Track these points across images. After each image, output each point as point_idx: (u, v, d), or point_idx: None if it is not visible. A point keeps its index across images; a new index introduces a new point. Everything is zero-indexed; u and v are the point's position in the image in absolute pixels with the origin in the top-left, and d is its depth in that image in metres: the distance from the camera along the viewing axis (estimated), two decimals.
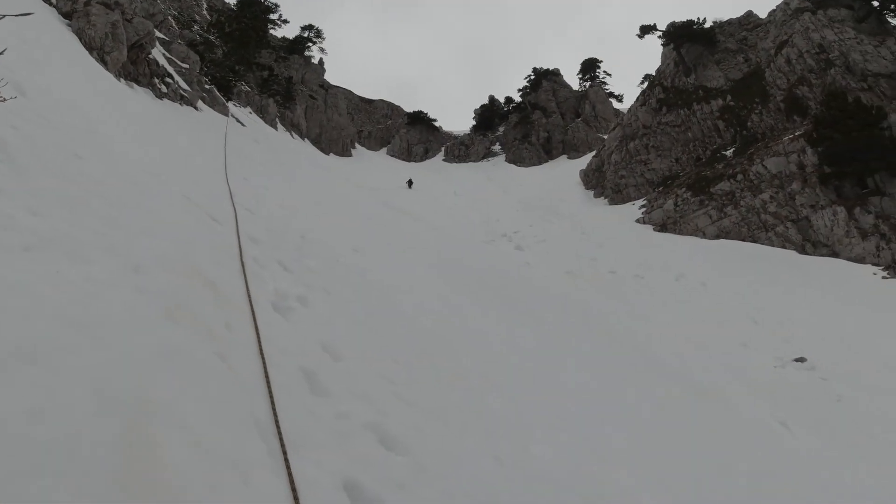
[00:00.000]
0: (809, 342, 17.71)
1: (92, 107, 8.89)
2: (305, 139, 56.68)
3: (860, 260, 26.05)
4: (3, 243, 3.07)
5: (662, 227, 34.38)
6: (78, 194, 4.39)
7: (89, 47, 14.34)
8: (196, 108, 20.17)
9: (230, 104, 30.24)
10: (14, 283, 2.77)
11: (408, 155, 72.86)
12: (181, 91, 19.76)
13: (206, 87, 25.50)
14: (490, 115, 76.71)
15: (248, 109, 38.39)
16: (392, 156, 72.56)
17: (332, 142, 64.17)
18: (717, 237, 31.49)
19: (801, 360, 16.33)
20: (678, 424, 8.76)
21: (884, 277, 24.32)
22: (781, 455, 9.23)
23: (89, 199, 4.46)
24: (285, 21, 61.62)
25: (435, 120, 78.23)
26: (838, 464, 9.79)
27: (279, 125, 46.30)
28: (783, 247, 28.95)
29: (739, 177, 32.52)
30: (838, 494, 8.04)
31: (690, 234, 32.61)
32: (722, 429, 9.56)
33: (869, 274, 24.81)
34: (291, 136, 50.33)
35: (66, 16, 14.87)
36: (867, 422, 12.41)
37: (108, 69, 14.45)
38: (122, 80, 15.25)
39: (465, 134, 76.57)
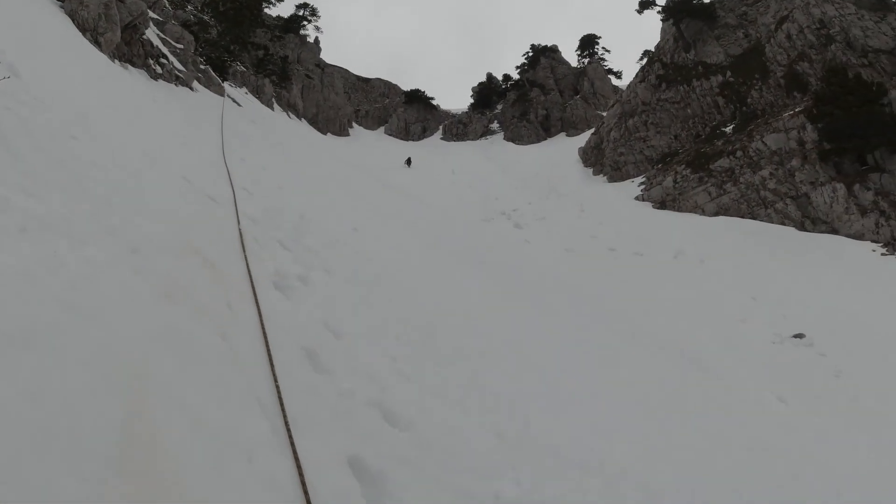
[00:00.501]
0: (808, 318, 17.75)
1: (86, 88, 8.80)
2: (302, 119, 56.32)
3: (859, 237, 26.03)
4: None
5: (662, 205, 34.30)
6: (73, 176, 4.35)
7: (82, 28, 14.15)
8: (192, 88, 19.99)
9: (226, 84, 29.97)
10: (10, 266, 2.74)
11: (405, 134, 72.45)
12: (176, 72, 19.56)
13: (202, 67, 25.25)
14: (488, 92, 76.16)
15: (244, 90, 38.08)
16: (390, 135, 72.14)
17: (329, 121, 63.74)
18: (717, 214, 31.43)
19: (799, 336, 16.39)
20: (676, 399, 8.82)
21: (883, 254, 24.33)
22: (779, 429, 9.30)
23: (84, 180, 4.42)
24: (280, 0, 60.94)
25: (432, 98, 77.65)
26: (836, 438, 9.86)
27: (275, 105, 45.96)
28: (782, 223, 28.90)
29: (739, 153, 32.36)
30: (835, 468, 8.11)
31: (690, 212, 32.54)
32: (719, 403, 9.63)
33: (868, 251, 24.81)
34: (288, 116, 49.99)
35: None
36: (866, 397, 12.49)
37: (102, 50, 14.28)
38: (116, 61, 15.08)
39: (462, 112, 76.07)
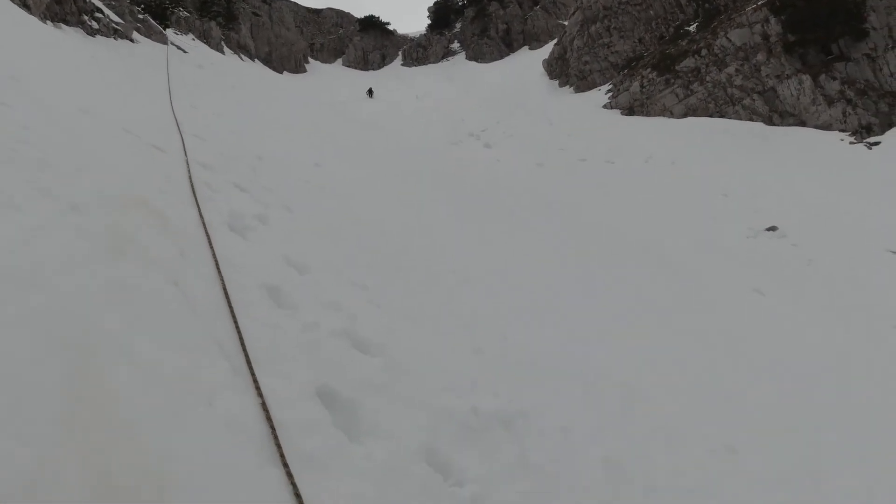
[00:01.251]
0: (780, 211, 17.98)
1: (14, 53, 8.26)
2: (255, 60, 54.21)
3: (827, 127, 26.10)
4: None
5: (630, 111, 33.95)
6: (3, 143, 4.10)
7: None
8: (132, 40, 19.01)
9: (169, 32, 28.54)
10: None
11: (364, 63, 70.27)
12: (114, 25, 18.52)
13: (140, 17, 23.93)
14: (445, 11, 73.55)
15: (190, 36, 36.34)
16: (348, 66, 69.93)
17: (284, 59, 61.46)
18: (685, 115, 31.22)
19: (772, 228, 16.63)
20: (653, 300, 8.94)
21: (851, 143, 24.49)
22: (756, 319, 9.52)
23: (16, 146, 4.16)
24: None
25: (388, 23, 74.91)
26: (811, 323, 10.13)
27: (225, 48, 44.08)
28: (751, 119, 28.82)
29: (704, 52, 31.85)
30: (812, 351, 8.36)
31: (658, 115, 32.28)
32: (697, 300, 9.80)
33: (836, 140, 24.97)
34: (240, 58, 48.06)
35: None
36: (838, 282, 12.81)
37: (31, 13, 13.40)
38: (48, 21, 14.20)
39: (421, 35, 73.66)
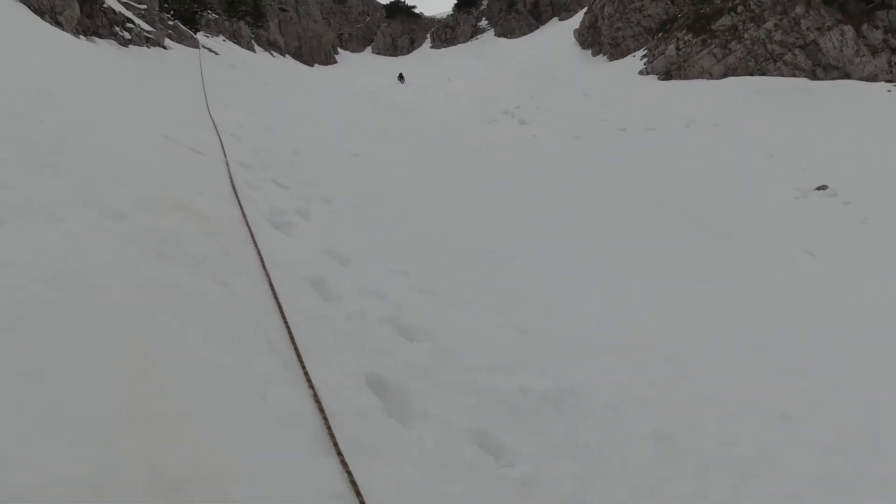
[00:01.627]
0: (829, 169, 17.30)
1: (51, 70, 8.53)
2: (286, 55, 54.74)
3: (872, 78, 24.96)
4: None
5: (667, 75, 33.05)
6: (45, 157, 4.24)
7: (39, 12, 13.66)
8: (164, 47, 19.40)
9: (200, 35, 29.05)
10: None
11: (393, 49, 70.18)
12: (145, 34, 18.93)
13: (170, 23, 24.40)
14: None
15: (221, 37, 36.92)
16: (377, 53, 69.97)
17: (314, 52, 61.86)
18: (725, 76, 30.21)
19: (822, 187, 16.04)
20: (701, 267, 8.75)
21: None
22: (809, 282, 9.24)
23: (58, 158, 4.31)
24: None
25: (414, 7, 74.62)
26: (866, 284, 9.77)
27: (256, 46, 44.65)
28: (793, 75, 27.72)
29: (740, 8, 30.70)
30: (867, 313, 8.06)
31: (697, 78, 31.33)
32: (746, 265, 9.55)
33: (883, 91, 23.84)
34: (271, 55, 48.61)
35: None
36: (894, 239, 12.30)
37: (64, 29, 13.81)
38: (81, 36, 14.61)
39: (448, 15, 73.08)
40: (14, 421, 1.85)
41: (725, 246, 10.87)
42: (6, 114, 4.91)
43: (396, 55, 68.07)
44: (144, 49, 17.76)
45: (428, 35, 70.83)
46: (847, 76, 25.97)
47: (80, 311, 2.52)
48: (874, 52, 25.21)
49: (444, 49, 65.26)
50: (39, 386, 2.03)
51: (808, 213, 14.64)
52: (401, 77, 47.74)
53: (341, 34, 72.93)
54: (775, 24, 28.83)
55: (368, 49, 72.08)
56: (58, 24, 13.80)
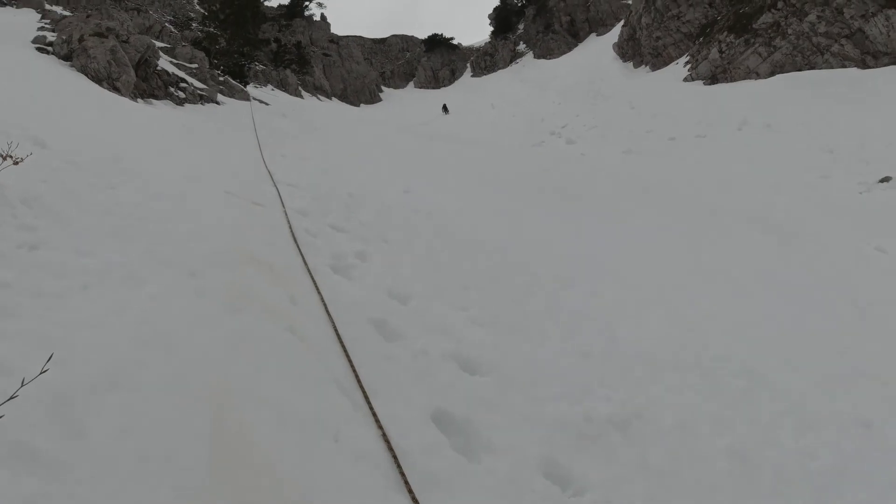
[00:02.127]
0: (892, 159, 16.55)
1: (114, 135, 9.11)
2: (332, 98, 56.45)
3: None
4: (63, 289, 3.23)
5: (713, 79, 32.44)
6: (120, 222, 4.56)
7: (97, 79, 14.60)
8: (217, 102, 20.37)
9: (249, 87, 30.35)
10: (82, 322, 2.93)
11: (435, 82, 71.38)
12: (198, 91, 19.95)
13: (220, 79, 25.63)
14: (506, 15, 73.53)
15: (269, 87, 38.47)
16: (420, 87, 71.29)
17: (359, 92, 63.58)
18: (772, 74, 29.43)
19: (885, 179, 15.34)
20: (769, 271, 8.51)
21: None
22: (882, 281, 8.83)
23: (131, 223, 4.63)
24: None
25: (452, 38, 75.86)
26: None
27: (303, 92, 46.24)
28: (843, 66, 26.79)
29: (780, 4, 30.00)
30: None
31: (743, 79, 30.63)
32: (815, 265, 9.22)
33: None
34: (318, 99, 50.22)
35: (66, 58, 15.13)
36: None
37: (122, 94, 14.71)
38: (139, 99, 15.52)
39: (486, 43, 73.99)
40: (110, 474, 2.02)
41: (792, 248, 10.52)
42: (82, 184, 5.30)
43: (438, 87, 69.18)
44: (199, 106, 18.71)
45: (468, 64, 71.78)
46: None
47: (166, 367, 2.72)
48: None
49: (484, 76, 65.95)
50: (133, 439, 2.21)
51: (875, 206, 14.00)
52: (445, 108, 48.44)
53: (383, 72, 74.73)
54: (818, 17, 28.01)
55: (411, 84, 73.55)
56: (115, 89, 14.69)
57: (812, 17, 28.25)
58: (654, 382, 4.14)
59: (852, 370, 4.99)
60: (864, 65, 26.17)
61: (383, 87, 69.96)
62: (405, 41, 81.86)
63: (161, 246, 4.25)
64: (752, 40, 30.82)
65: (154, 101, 16.28)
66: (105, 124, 9.84)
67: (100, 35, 15.60)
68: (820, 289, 8.12)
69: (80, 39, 15.29)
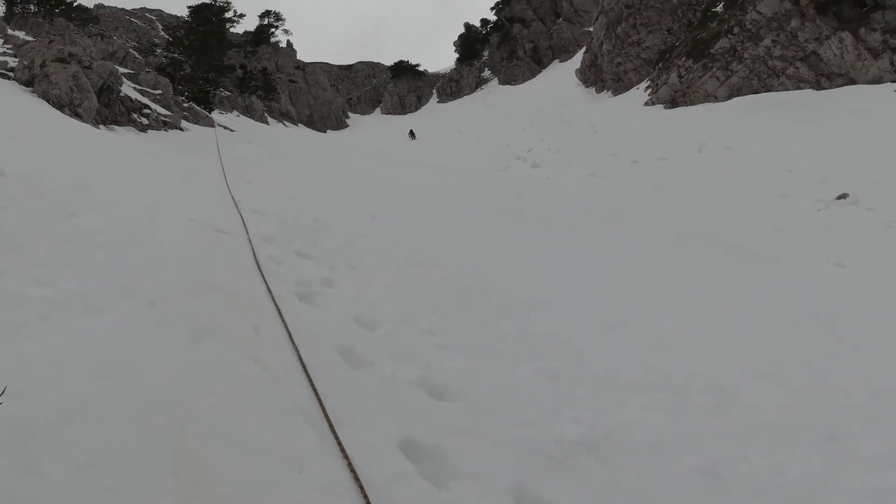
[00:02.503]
0: (848, 177, 17.11)
1: (75, 163, 8.92)
2: (299, 124, 56.39)
3: (878, 81, 24.90)
4: (21, 320, 3.13)
5: (672, 103, 33.34)
6: (79, 252, 4.45)
7: (59, 106, 14.34)
8: (181, 129, 20.17)
9: (214, 114, 30.15)
10: (39, 354, 2.83)
11: (401, 108, 71.91)
12: (162, 118, 19.73)
13: (185, 105, 25.42)
14: (471, 42, 74.74)
15: (235, 113, 38.29)
16: (387, 113, 71.72)
17: (325, 118, 63.65)
18: (730, 97, 30.37)
19: (842, 196, 15.83)
20: (731, 290, 8.65)
21: None
22: (843, 296, 9.04)
23: (92, 252, 4.51)
24: (241, 16, 60.37)
25: (418, 65, 76.74)
26: None
27: (269, 119, 46.11)
28: (798, 88, 27.78)
29: (736, 29, 31.10)
30: None
31: (702, 102, 31.54)
32: (776, 283, 9.41)
33: (890, 92, 23.71)
34: (284, 125, 50.12)
35: (28, 83, 14.86)
36: None
37: (84, 121, 14.46)
38: (101, 126, 15.27)
39: (452, 69, 74.96)
40: None
41: (755, 266, 10.74)
42: (41, 212, 5.16)
43: (405, 113, 69.69)
44: (162, 133, 18.48)
45: (434, 90, 72.57)
46: (852, 82, 25.92)
47: (127, 399, 2.63)
48: (875, 55, 25.19)
49: (450, 102, 66.70)
50: (92, 474, 2.12)
51: (833, 223, 14.43)
52: (412, 134, 48.74)
53: (350, 98, 75.06)
54: (773, 41, 29.06)
55: (377, 110, 73.97)
56: (77, 115, 14.44)
57: (767, 42, 29.29)
58: (623, 403, 4.14)
59: (818, 384, 5.07)
60: (818, 86, 27.15)
61: (350, 113, 70.19)
62: (371, 67, 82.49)
63: (122, 275, 4.14)
64: (710, 65, 31.79)
65: (116, 127, 16.03)
66: (66, 151, 9.64)
67: (62, 61, 15.37)
68: (783, 305, 8.27)
69: (42, 65, 15.04)
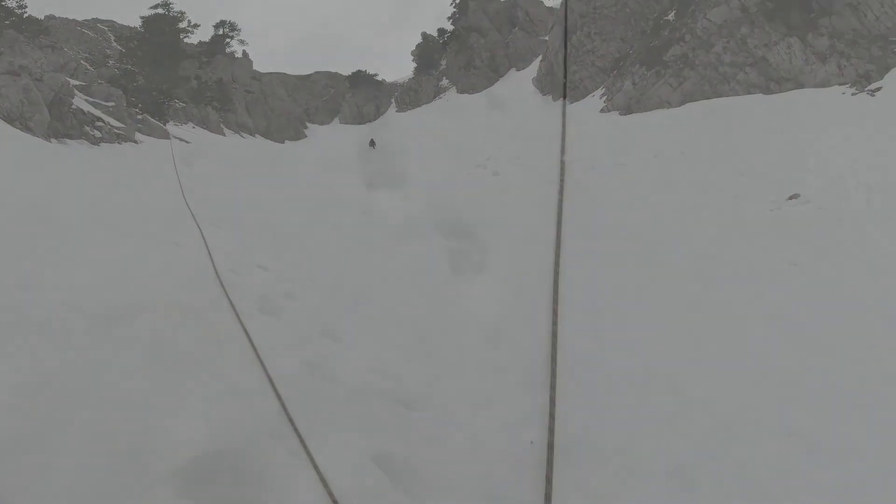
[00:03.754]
0: (798, 177, 17.68)
1: (27, 179, 8.65)
2: (256, 135, 55.59)
3: (825, 84, 25.85)
4: None
5: (627, 110, 33.94)
6: (34, 270, 4.32)
7: (9, 119, 13.88)
8: (135, 141, 19.69)
9: (169, 125, 29.55)
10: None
11: (360, 118, 71.49)
12: (115, 130, 19.23)
13: (139, 117, 24.84)
14: (428, 52, 74.79)
15: (190, 124, 37.56)
16: (345, 123, 71.14)
17: (283, 129, 62.78)
18: (683, 103, 31.10)
19: (794, 196, 16.34)
20: (686, 296, 8.83)
21: (853, 94, 24.18)
22: (796, 294, 9.30)
23: (46, 271, 4.40)
24: (196, 26, 59.17)
25: (376, 74, 76.32)
26: (852, 284, 9.87)
27: (225, 130, 45.38)
28: (749, 93, 28.63)
29: (688, 37, 31.94)
30: (862, 318, 8.12)
31: (657, 108, 32.19)
32: (733, 284, 9.64)
33: (838, 95, 24.65)
34: (241, 136, 49.35)
35: None
36: (871, 237, 12.52)
37: (35, 135, 14.02)
38: (52, 140, 14.81)
39: (410, 79, 74.95)
40: None
41: (710, 267, 10.97)
42: None
43: (364, 123, 69.31)
44: (116, 146, 18.00)
45: (392, 100, 72.40)
46: (801, 85, 26.83)
47: (84, 426, 2.54)
48: (823, 59, 26.17)
49: (409, 111, 66.68)
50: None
51: (786, 223, 14.86)
52: (372, 143, 48.52)
53: (308, 109, 74.38)
54: (724, 47, 29.93)
55: (336, 120, 73.40)
56: (28, 129, 13.99)
57: (718, 48, 30.14)
58: (590, 405, 4.19)
59: (776, 380, 5.22)
60: (768, 90, 28.04)
61: (308, 124, 69.48)
62: (329, 77, 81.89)
63: (77, 294, 4.02)
64: (663, 72, 32.53)
65: (69, 140, 15.57)
66: (16, 168, 9.32)
67: (12, 73, 14.89)
68: (738, 305, 8.48)
69: None
